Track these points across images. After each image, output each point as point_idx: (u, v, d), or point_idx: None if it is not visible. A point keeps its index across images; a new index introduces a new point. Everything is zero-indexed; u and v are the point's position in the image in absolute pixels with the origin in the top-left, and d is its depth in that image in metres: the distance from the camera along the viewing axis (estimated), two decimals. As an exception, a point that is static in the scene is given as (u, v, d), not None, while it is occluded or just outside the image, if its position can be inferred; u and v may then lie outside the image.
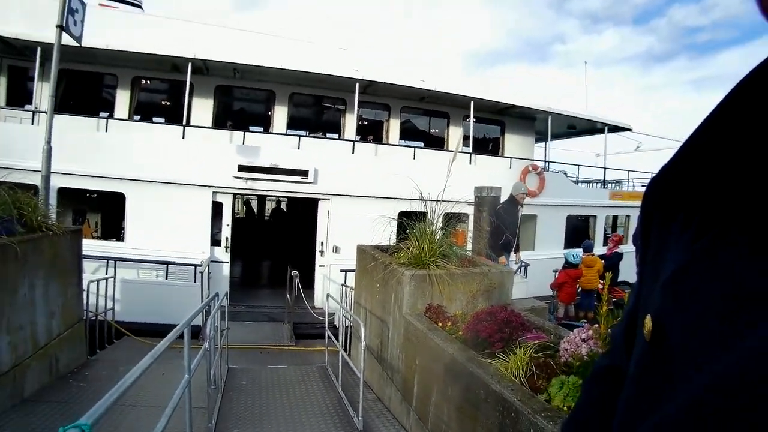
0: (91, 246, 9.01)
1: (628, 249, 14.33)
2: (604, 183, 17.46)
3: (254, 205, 20.05)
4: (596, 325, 3.23)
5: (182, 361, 3.90)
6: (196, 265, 9.45)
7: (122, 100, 11.81)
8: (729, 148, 0.54)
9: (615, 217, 17.45)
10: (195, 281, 9.34)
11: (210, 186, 10.26)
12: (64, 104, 10.74)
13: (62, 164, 8.95)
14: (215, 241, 10.51)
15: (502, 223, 7.63)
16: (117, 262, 9.08)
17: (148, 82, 12.26)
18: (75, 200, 11.34)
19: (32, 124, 10.13)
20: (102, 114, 11.60)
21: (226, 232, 10.55)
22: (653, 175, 0.69)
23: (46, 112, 7.21)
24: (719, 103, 0.58)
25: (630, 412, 0.61)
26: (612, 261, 10.79)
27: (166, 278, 9.54)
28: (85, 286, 6.89)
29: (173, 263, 9.57)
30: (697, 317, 0.51)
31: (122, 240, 10.05)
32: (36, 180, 6.91)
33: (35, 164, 7.32)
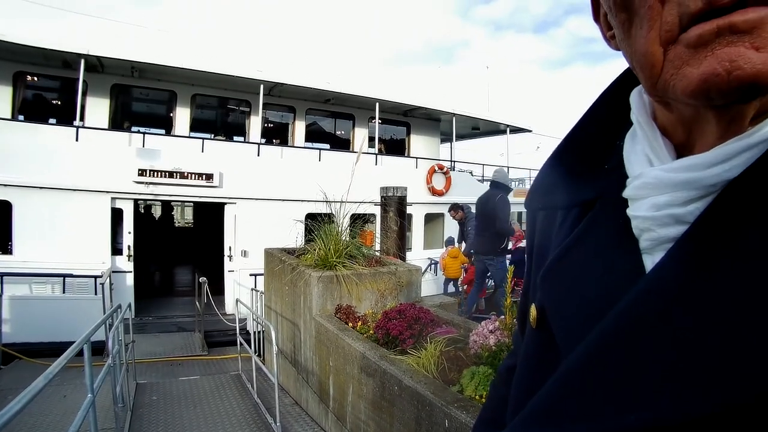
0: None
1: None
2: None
3: (158, 210, 19.24)
4: (502, 317, 3.38)
5: (85, 380, 3.70)
6: (96, 277, 8.92)
7: (2, 97, 10.73)
8: (595, 144, 0.65)
9: (519, 214, 18.28)
10: (96, 294, 8.82)
11: (108, 191, 9.71)
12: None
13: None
14: (116, 250, 9.98)
15: (503, 216, 7.65)
16: (4, 277, 8.41)
17: (35, 78, 11.27)
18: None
19: None
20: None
21: (128, 240, 10.05)
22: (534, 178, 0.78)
23: None
24: (592, 103, 0.68)
25: (520, 393, 0.68)
26: (517, 256, 11.25)
27: (63, 292, 8.94)
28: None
29: (70, 276, 8.97)
30: (570, 299, 0.59)
31: (10, 253, 9.24)
32: None
33: None
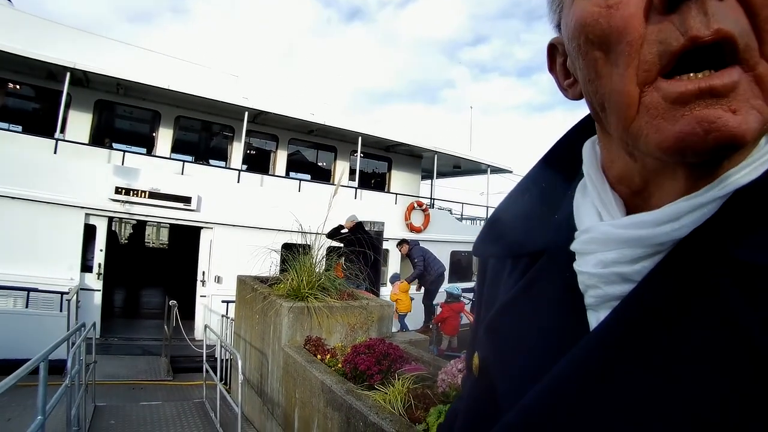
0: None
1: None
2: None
3: (128, 230, 18.94)
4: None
5: (37, 401, 3.55)
6: (63, 293, 8.70)
7: (-19, 104, 10.62)
8: (547, 196, 0.66)
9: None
10: (61, 311, 8.59)
11: (83, 207, 9.54)
12: None
13: None
14: (86, 267, 9.76)
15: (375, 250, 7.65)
16: (-35, 288, 8.16)
17: (18, 87, 11.14)
18: None
19: None
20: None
21: (99, 257, 9.85)
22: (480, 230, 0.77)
23: None
24: (544, 155, 0.69)
25: None
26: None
27: (26, 307, 8.67)
28: None
29: (35, 290, 8.72)
30: (512, 353, 0.59)
31: (-28, 263, 8.99)
32: None
33: None
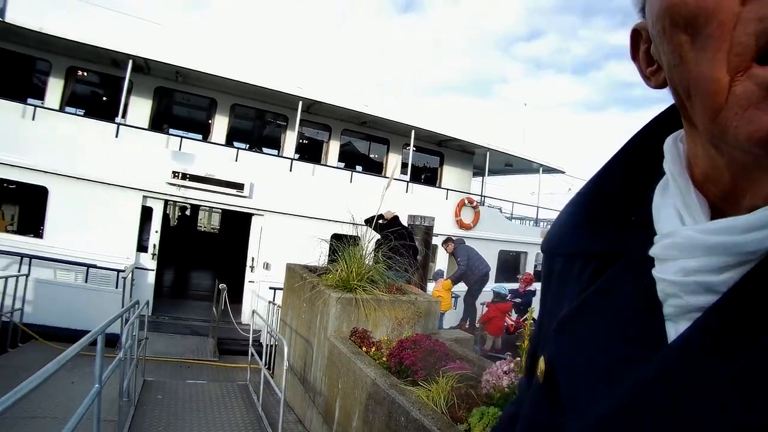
0: (5, 240, 8.51)
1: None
2: (537, 221, 18.07)
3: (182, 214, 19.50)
4: (518, 359, 3.31)
5: (94, 370, 3.72)
6: (119, 271, 9.05)
7: (54, 89, 11.18)
8: (621, 194, 0.60)
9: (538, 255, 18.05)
10: (117, 287, 8.93)
11: (141, 189, 9.91)
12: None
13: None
14: (142, 248, 10.12)
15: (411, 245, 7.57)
16: (32, 259, 8.58)
17: (85, 73, 11.67)
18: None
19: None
20: (31, 101, 11.01)
21: (155, 239, 10.19)
22: (552, 222, 0.74)
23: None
24: (618, 150, 0.64)
25: None
26: (527, 299, 11.13)
27: (86, 282, 9.07)
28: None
29: (95, 266, 9.11)
30: (580, 360, 0.55)
31: (41, 237, 9.46)
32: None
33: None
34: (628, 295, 0.53)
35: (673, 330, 0.47)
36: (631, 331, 0.51)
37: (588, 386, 0.52)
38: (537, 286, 11.83)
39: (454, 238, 11.09)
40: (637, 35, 0.56)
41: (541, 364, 0.62)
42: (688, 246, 0.46)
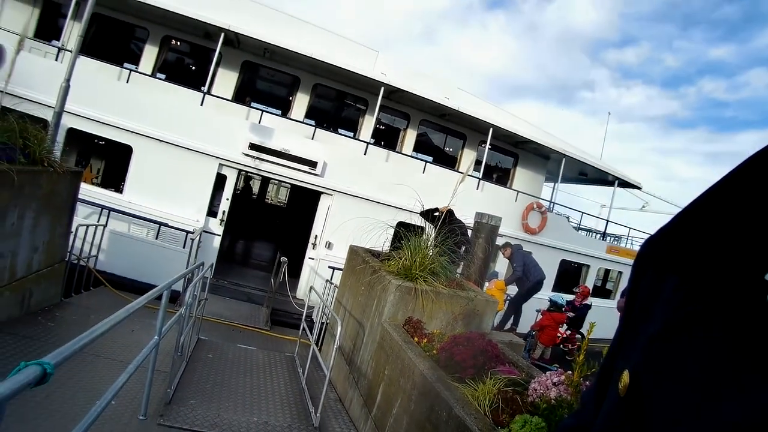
0: (88, 191, 9.00)
1: (598, 302, 14.57)
2: (604, 235, 17.46)
3: (253, 185, 20.04)
4: (569, 372, 3.21)
5: (154, 322, 3.89)
6: (188, 232, 9.43)
7: (149, 55, 11.81)
8: (728, 222, 0.54)
9: (607, 271, 17.42)
10: (184, 247, 9.32)
11: (218, 158, 10.24)
12: (91, 48, 10.73)
13: (77, 105, 8.98)
14: (212, 213, 10.48)
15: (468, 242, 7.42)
16: (111, 212, 9.06)
17: (178, 43, 12.22)
18: (82, 143, 11.33)
19: (56, 60, 10.13)
20: (126, 65, 11.61)
21: (225, 206, 10.52)
22: (651, 233, 0.69)
23: (71, 51, 7.22)
24: (724, 177, 0.58)
25: None
26: (581, 312, 10.81)
27: (156, 238, 9.53)
28: (73, 229, 6.87)
29: (166, 225, 9.56)
30: (677, 379, 0.51)
31: (121, 192, 9.99)
32: (48, 115, 6.94)
33: (50, 99, 7.33)
34: (737, 318, 0.49)
35: None
36: (739, 354, 0.47)
37: (687, 405, 0.49)
38: (592, 300, 11.54)
39: (512, 243, 10.97)
40: None
41: (625, 377, 0.59)
42: None
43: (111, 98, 9.79)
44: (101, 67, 10.47)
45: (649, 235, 0.68)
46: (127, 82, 10.43)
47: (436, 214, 7.30)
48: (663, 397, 0.52)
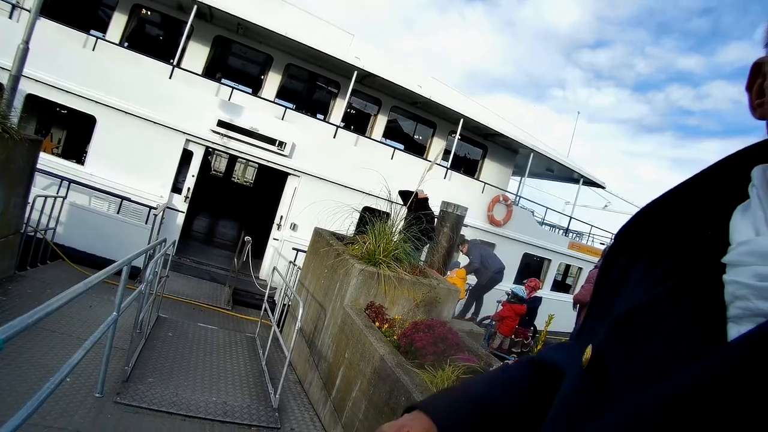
0: (48, 161, 8.74)
1: (557, 296, 14.89)
2: (567, 231, 17.82)
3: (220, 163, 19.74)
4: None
5: (113, 298, 3.83)
6: (151, 207, 9.26)
7: (117, 23, 11.39)
8: (691, 213, 0.64)
9: (568, 266, 17.80)
10: (146, 223, 9.14)
11: (185, 133, 10.03)
12: (54, 10, 10.36)
13: (37, 71, 8.66)
14: (176, 189, 10.29)
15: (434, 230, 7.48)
16: (71, 184, 8.83)
17: (149, 12, 11.81)
18: (43, 111, 10.94)
19: (10, 18, 9.72)
20: (93, 32, 11.21)
21: (190, 182, 10.34)
22: (613, 231, 0.75)
23: (28, 10, 6.93)
24: (700, 172, 0.66)
25: (561, 423, 0.66)
26: (533, 305, 11.01)
27: (118, 213, 9.31)
28: (31, 200, 6.67)
29: (129, 199, 9.36)
30: (637, 354, 0.56)
31: (82, 163, 9.69)
32: (3, 79, 6.66)
33: (5, 62, 7.05)
34: (693, 298, 0.56)
35: (735, 331, 0.49)
36: (693, 329, 0.53)
37: (644, 376, 0.54)
38: (551, 294, 11.78)
39: (468, 240, 11.19)
40: (757, 69, 0.61)
41: (588, 352, 0.64)
42: (766, 253, 0.49)
43: (75, 66, 9.42)
44: (63, 30, 10.02)
45: (628, 220, 0.75)
46: (94, 49, 10.06)
47: (414, 199, 7.34)
48: (624, 371, 0.57)
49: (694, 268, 0.58)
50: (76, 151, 10.79)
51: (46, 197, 7.43)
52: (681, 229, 0.64)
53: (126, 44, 11.52)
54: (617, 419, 0.51)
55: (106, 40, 10.74)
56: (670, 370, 0.49)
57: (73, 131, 12.13)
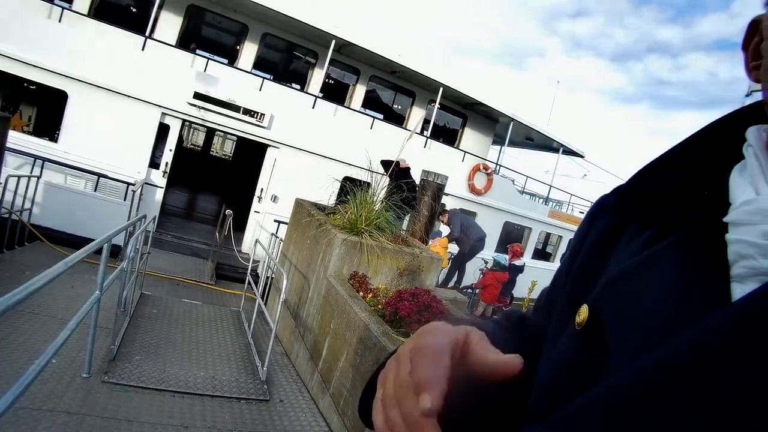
0: (19, 140, 8.52)
1: (538, 264, 15.12)
2: (547, 200, 17.98)
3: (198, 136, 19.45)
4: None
5: (95, 277, 3.80)
6: (129, 184, 9.11)
7: (86, -7, 10.97)
8: (694, 171, 0.62)
9: (548, 235, 18.01)
10: (125, 200, 9.01)
11: (160, 106, 9.82)
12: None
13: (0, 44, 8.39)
14: (154, 164, 10.12)
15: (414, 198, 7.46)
16: (45, 162, 8.63)
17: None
18: (9, 87, 10.63)
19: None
20: (58, 2, 10.78)
21: (168, 157, 10.18)
22: (592, 200, 0.76)
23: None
24: (693, 134, 0.65)
25: (554, 389, 0.64)
26: (515, 273, 11.15)
27: (95, 190, 9.14)
28: (2, 180, 6.53)
29: (105, 176, 9.17)
30: (637, 313, 0.55)
31: (55, 141, 9.43)
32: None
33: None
34: (693, 255, 0.55)
35: (740, 290, 0.48)
36: (695, 288, 0.52)
37: (646, 336, 0.53)
38: (529, 261, 11.91)
39: (449, 210, 11.31)
40: (754, 27, 0.58)
41: (583, 312, 0.63)
42: None
43: (42, 38, 9.09)
44: (27, 2, 9.64)
45: (615, 187, 0.75)
46: (60, 21, 9.62)
47: (396, 169, 7.34)
48: (623, 333, 0.55)
49: (692, 227, 0.58)
50: (48, 128, 10.50)
51: (19, 177, 7.27)
52: (675, 191, 0.63)
53: (95, 15, 11.13)
54: (616, 384, 0.50)
55: (73, 11, 10.32)
56: (672, 331, 0.49)
57: (43, 108, 11.81)
